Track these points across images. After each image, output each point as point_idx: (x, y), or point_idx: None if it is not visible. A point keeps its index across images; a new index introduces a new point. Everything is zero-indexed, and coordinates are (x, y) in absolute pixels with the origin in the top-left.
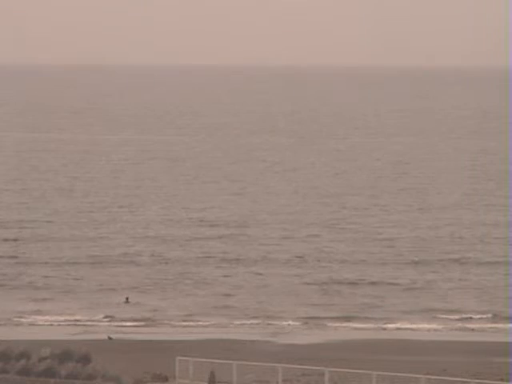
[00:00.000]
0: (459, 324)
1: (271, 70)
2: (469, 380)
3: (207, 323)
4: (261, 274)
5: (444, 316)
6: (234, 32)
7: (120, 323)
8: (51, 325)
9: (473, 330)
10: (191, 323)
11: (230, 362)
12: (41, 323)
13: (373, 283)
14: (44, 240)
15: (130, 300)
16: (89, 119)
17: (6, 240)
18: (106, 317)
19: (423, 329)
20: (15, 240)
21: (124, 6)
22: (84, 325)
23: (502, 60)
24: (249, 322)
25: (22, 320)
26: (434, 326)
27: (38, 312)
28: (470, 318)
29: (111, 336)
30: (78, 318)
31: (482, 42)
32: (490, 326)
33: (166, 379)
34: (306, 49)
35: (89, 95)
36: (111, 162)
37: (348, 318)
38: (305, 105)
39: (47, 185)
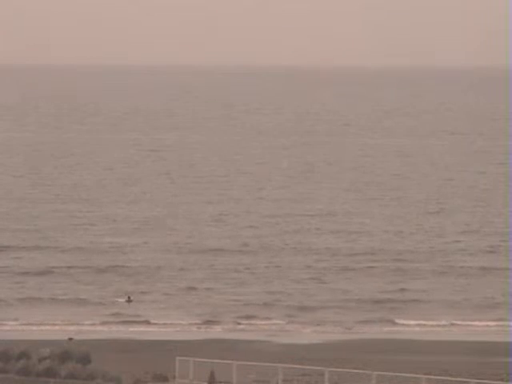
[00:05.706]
0: (459, 325)
1: (271, 70)
2: (469, 380)
3: (208, 323)
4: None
5: (444, 317)
6: (235, 33)
7: (121, 323)
8: (51, 325)
9: (473, 330)
10: (192, 324)
11: (230, 361)
12: (41, 323)
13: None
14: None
15: (131, 299)
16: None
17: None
18: (108, 316)
19: (423, 329)
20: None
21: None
22: (85, 325)
23: (502, 60)
24: (248, 323)
25: (22, 320)
26: (434, 326)
27: (39, 312)
28: (471, 318)
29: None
30: (78, 317)
31: (481, 42)
32: (489, 326)
33: (166, 379)
34: (306, 50)
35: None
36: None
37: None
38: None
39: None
